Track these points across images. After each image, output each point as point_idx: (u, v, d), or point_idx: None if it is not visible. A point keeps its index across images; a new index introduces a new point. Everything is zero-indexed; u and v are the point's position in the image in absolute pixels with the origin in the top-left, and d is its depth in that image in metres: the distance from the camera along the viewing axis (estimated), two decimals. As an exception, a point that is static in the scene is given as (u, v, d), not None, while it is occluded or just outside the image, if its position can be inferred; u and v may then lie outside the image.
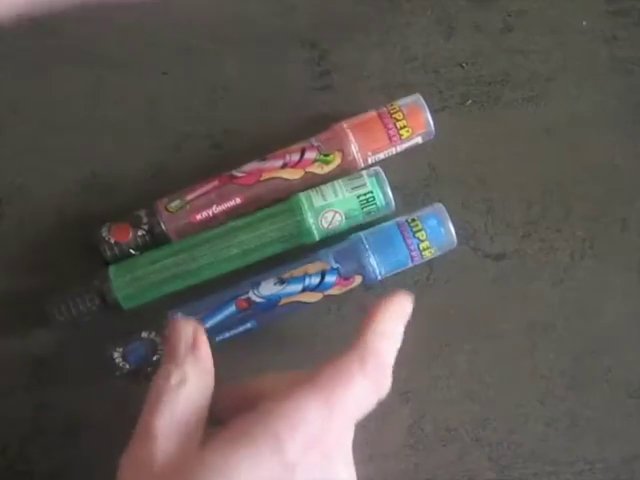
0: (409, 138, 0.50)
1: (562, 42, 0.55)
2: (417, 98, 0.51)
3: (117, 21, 0.54)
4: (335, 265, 0.48)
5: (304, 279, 0.48)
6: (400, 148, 0.51)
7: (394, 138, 0.50)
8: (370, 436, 0.50)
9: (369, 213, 0.49)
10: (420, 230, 0.48)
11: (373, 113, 0.51)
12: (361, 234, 0.49)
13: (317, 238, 0.49)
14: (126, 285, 0.48)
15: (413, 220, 0.49)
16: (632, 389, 0.50)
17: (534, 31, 0.55)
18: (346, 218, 0.49)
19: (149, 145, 0.53)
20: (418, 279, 0.51)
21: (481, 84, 0.54)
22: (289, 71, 0.54)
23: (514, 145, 0.53)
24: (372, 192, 0.49)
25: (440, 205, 0.49)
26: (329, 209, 0.49)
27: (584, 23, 0.55)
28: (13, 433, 0.50)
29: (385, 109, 0.51)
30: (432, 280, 0.51)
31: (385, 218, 0.50)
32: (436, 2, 0.55)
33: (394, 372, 0.51)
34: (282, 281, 0.48)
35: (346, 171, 0.50)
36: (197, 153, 0.53)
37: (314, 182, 0.50)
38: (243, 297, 0.48)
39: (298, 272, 0.48)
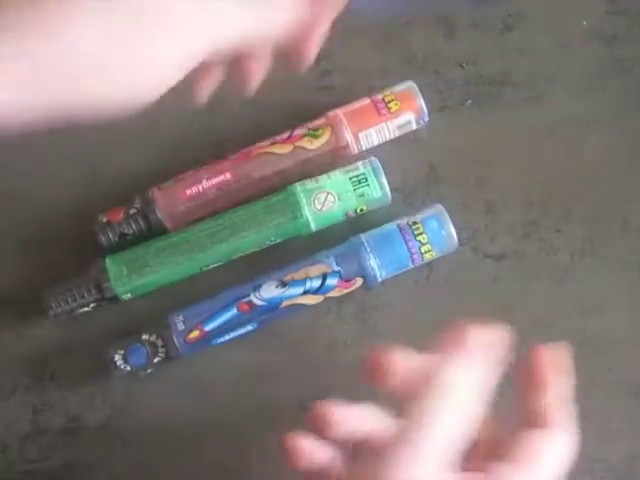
0: (398, 112, 0.50)
1: (562, 42, 0.55)
2: (409, 83, 0.51)
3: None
4: (336, 268, 0.48)
5: (305, 282, 0.48)
6: (392, 127, 0.51)
7: (382, 111, 0.50)
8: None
9: (362, 196, 0.49)
10: (422, 233, 0.48)
11: (364, 98, 0.52)
12: (362, 236, 0.49)
13: (312, 225, 0.49)
14: (122, 275, 0.49)
15: (415, 223, 0.49)
16: (632, 389, 0.50)
17: (534, 31, 0.55)
18: (339, 199, 0.49)
19: (149, 145, 0.53)
20: (418, 279, 0.51)
21: (481, 84, 0.54)
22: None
23: (514, 145, 0.53)
24: (364, 173, 0.49)
25: (441, 207, 0.49)
26: (321, 190, 0.49)
27: (584, 23, 0.55)
28: (13, 433, 0.50)
29: (376, 93, 0.51)
30: (432, 280, 0.51)
31: (384, 215, 0.50)
32: (436, 2, 0.55)
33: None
34: (283, 284, 0.48)
35: (339, 152, 0.50)
36: (197, 153, 0.53)
37: (304, 156, 0.50)
38: (244, 300, 0.48)
39: (299, 275, 0.48)
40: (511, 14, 0.55)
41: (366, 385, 0.51)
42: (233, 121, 0.53)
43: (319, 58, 0.54)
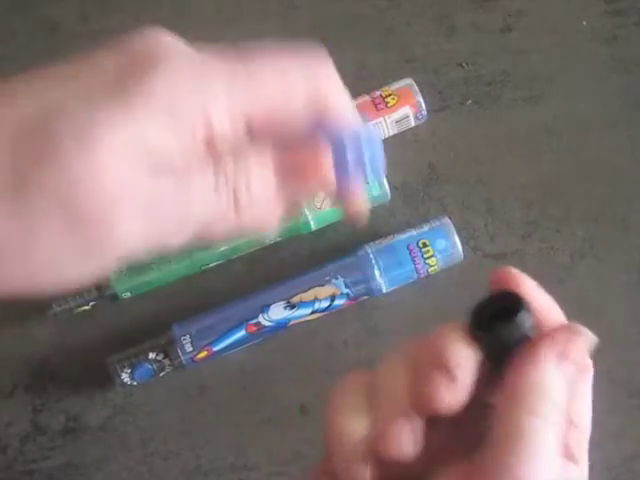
0: (395, 107, 0.50)
1: (562, 42, 0.55)
2: (407, 81, 0.51)
3: (117, 22, 0.54)
4: (345, 290, 0.48)
5: (314, 304, 0.48)
6: (390, 122, 0.50)
7: (380, 106, 0.50)
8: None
9: None
10: (431, 256, 0.49)
11: (363, 95, 0.52)
12: (369, 252, 0.49)
13: (312, 224, 0.49)
14: (122, 274, 0.49)
15: (425, 245, 0.49)
16: (632, 389, 0.50)
17: (534, 31, 0.55)
18: None
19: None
20: (417, 279, 0.51)
21: (481, 84, 0.54)
22: (289, 71, 0.54)
23: (514, 145, 0.53)
24: None
25: (449, 222, 0.49)
26: None
27: (584, 23, 0.55)
28: (13, 433, 0.50)
29: (374, 90, 0.52)
30: (432, 280, 0.51)
31: (383, 213, 0.50)
32: (436, 2, 0.55)
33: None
34: (292, 306, 0.48)
35: None
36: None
37: None
38: (252, 322, 0.48)
39: (308, 296, 0.48)
40: (511, 14, 0.55)
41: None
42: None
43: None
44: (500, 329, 0.26)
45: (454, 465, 0.26)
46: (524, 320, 0.26)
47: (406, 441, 0.25)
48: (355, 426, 0.26)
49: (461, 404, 0.25)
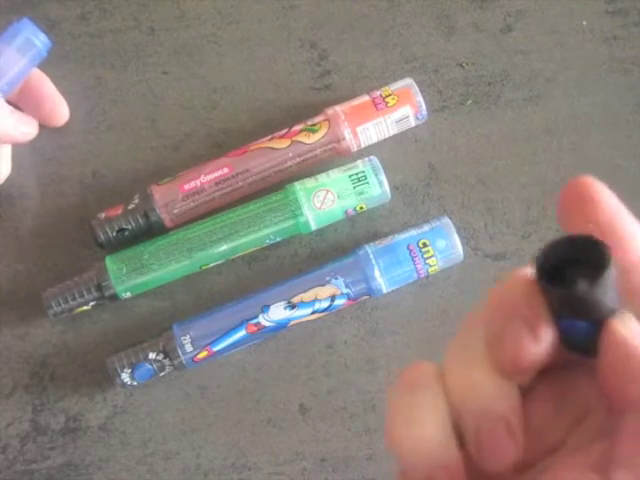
0: (396, 107, 0.50)
1: (562, 42, 0.55)
2: (407, 80, 0.51)
3: (117, 22, 0.54)
4: (345, 290, 0.48)
5: (314, 304, 0.48)
6: (390, 122, 0.50)
7: (380, 106, 0.50)
8: (370, 436, 0.50)
9: (362, 194, 0.49)
10: (431, 256, 0.49)
11: (363, 95, 0.52)
12: (369, 252, 0.49)
13: (312, 224, 0.49)
14: (122, 274, 0.49)
15: (425, 245, 0.49)
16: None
17: (534, 31, 0.55)
18: (339, 198, 0.49)
19: (149, 145, 0.53)
20: (417, 279, 0.51)
21: (481, 84, 0.54)
22: (289, 71, 0.54)
23: (514, 145, 0.53)
24: (364, 172, 0.49)
25: (449, 222, 0.49)
26: (321, 188, 0.49)
27: (584, 23, 0.55)
28: (13, 433, 0.50)
29: (374, 90, 0.52)
30: (432, 280, 0.51)
31: (383, 213, 0.50)
32: (436, 2, 0.55)
33: (391, 373, 0.51)
34: (292, 306, 0.48)
35: (337, 147, 0.50)
36: (197, 153, 0.53)
37: (301, 150, 0.50)
38: (253, 322, 0.48)
39: (308, 297, 0.48)
40: (511, 14, 0.55)
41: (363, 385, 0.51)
42: (233, 121, 0.53)
43: (319, 58, 0.55)
44: (578, 287, 0.20)
45: (567, 454, 0.23)
46: (608, 280, 0.20)
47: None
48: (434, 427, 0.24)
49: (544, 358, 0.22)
